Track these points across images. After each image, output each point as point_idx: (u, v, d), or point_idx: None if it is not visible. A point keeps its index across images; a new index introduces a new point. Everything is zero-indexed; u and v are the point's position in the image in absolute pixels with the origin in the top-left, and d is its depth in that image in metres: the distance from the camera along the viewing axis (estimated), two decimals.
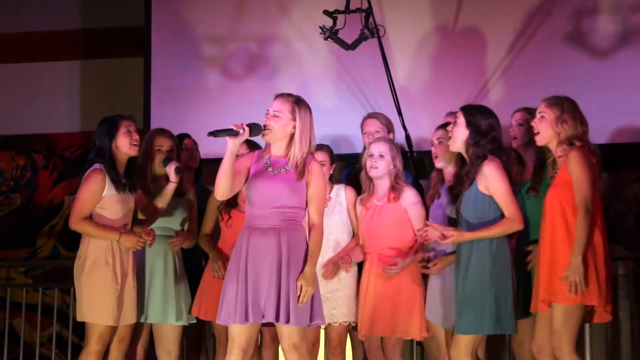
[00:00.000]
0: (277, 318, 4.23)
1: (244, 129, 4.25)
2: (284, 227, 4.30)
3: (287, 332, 4.29)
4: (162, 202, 5.00)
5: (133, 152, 4.87)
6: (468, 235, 4.44)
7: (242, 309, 4.24)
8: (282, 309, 4.23)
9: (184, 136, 5.58)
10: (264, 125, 4.34)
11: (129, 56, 7.13)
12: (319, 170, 4.40)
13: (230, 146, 4.26)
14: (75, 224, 4.76)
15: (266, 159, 4.39)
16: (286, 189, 4.32)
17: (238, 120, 4.34)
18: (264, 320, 4.28)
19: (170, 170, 4.98)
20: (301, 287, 4.25)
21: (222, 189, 4.32)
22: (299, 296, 4.25)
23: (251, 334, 4.33)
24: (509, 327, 4.40)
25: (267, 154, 4.41)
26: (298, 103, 4.37)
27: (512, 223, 4.41)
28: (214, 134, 4.25)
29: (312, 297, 4.30)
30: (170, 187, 4.99)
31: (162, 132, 5.21)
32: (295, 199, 4.34)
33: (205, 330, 5.65)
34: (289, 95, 4.40)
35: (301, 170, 4.34)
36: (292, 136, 4.36)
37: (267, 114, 4.36)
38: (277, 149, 4.39)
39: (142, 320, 4.99)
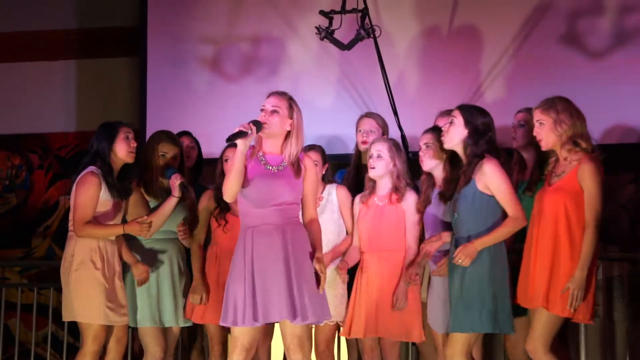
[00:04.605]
0: (294, 316, 4.20)
1: (251, 129, 4.22)
2: (287, 225, 4.30)
3: (291, 331, 4.29)
4: (162, 215, 4.91)
5: (129, 159, 4.84)
6: (479, 245, 4.37)
7: (251, 310, 4.21)
8: (299, 307, 4.20)
9: (182, 134, 5.56)
10: (263, 121, 4.31)
11: (125, 56, 7.13)
12: (312, 167, 4.44)
13: (240, 147, 4.21)
14: (81, 231, 4.71)
15: (260, 156, 4.37)
16: (286, 186, 4.33)
17: (233, 121, 4.33)
18: (278, 320, 4.26)
19: (174, 185, 4.92)
20: (317, 274, 4.26)
21: (233, 191, 4.28)
22: (318, 283, 4.25)
23: (254, 334, 4.33)
24: (506, 326, 4.40)
25: (259, 151, 4.38)
26: (293, 101, 4.39)
27: (517, 222, 4.38)
28: (229, 139, 4.17)
29: (321, 293, 4.30)
30: (172, 202, 4.93)
31: (167, 137, 5.09)
32: (293, 195, 4.35)
33: (199, 331, 5.65)
34: (283, 93, 4.41)
35: (298, 167, 4.35)
36: (287, 133, 4.36)
37: (264, 110, 4.34)
38: (272, 146, 4.38)
39: (157, 325, 4.99)
